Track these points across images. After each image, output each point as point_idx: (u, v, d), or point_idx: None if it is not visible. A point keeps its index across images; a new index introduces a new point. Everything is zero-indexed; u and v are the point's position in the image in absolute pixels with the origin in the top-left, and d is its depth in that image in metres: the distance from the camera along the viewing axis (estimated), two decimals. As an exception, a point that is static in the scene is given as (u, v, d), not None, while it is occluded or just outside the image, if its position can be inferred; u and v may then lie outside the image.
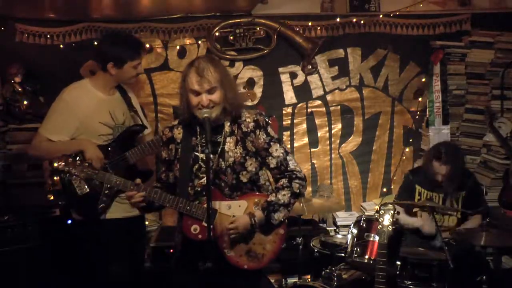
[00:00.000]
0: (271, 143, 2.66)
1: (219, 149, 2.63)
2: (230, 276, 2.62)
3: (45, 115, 3.29)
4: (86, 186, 3.09)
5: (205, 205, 2.51)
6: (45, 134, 3.21)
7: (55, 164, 2.58)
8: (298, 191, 2.66)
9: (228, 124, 2.67)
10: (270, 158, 2.66)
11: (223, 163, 2.61)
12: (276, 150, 2.66)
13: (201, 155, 2.62)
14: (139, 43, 3.39)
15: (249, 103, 4.41)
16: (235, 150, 2.63)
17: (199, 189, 2.61)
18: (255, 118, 2.67)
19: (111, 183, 2.61)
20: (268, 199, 2.62)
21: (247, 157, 2.64)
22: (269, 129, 2.69)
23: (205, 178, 2.54)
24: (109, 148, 3.21)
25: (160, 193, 2.59)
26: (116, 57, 3.20)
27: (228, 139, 2.65)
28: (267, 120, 2.74)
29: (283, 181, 2.66)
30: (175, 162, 2.67)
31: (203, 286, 2.62)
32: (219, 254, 2.56)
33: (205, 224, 2.52)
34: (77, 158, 2.62)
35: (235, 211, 2.61)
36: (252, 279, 2.70)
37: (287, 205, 2.63)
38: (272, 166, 2.66)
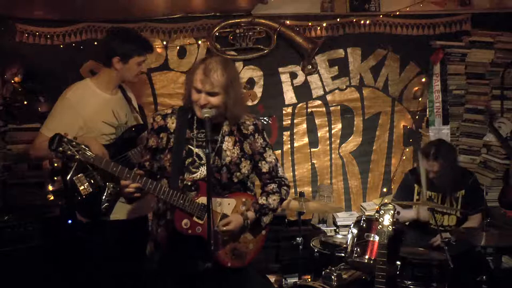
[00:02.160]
0: (266, 148, 2.75)
1: (216, 147, 2.62)
2: (216, 274, 2.57)
3: (47, 115, 3.27)
4: (90, 187, 3.08)
5: (198, 201, 2.55)
6: (48, 134, 3.10)
7: (53, 147, 2.49)
8: (285, 197, 2.78)
9: (227, 123, 2.67)
10: (263, 162, 2.74)
11: (219, 161, 2.62)
12: (270, 155, 2.76)
13: (196, 150, 2.62)
14: (147, 40, 3.38)
15: (249, 103, 4.42)
16: (233, 150, 2.66)
17: (189, 183, 2.60)
18: (254, 122, 2.75)
19: (108, 168, 2.55)
20: (260, 202, 2.69)
21: (242, 159, 2.67)
22: (265, 135, 2.78)
23: (197, 173, 2.61)
24: (111, 148, 3.20)
25: (156, 184, 2.54)
26: (122, 51, 3.18)
27: (226, 138, 2.66)
28: (263, 124, 2.83)
29: (273, 186, 2.76)
30: (165, 152, 2.64)
31: (193, 285, 2.60)
32: (208, 252, 2.52)
33: (196, 220, 2.54)
34: (74, 141, 2.53)
35: (224, 208, 2.63)
36: (236, 277, 2.69)
37: (275, 210, 2.73)
38: (264, 170, 2.74)
